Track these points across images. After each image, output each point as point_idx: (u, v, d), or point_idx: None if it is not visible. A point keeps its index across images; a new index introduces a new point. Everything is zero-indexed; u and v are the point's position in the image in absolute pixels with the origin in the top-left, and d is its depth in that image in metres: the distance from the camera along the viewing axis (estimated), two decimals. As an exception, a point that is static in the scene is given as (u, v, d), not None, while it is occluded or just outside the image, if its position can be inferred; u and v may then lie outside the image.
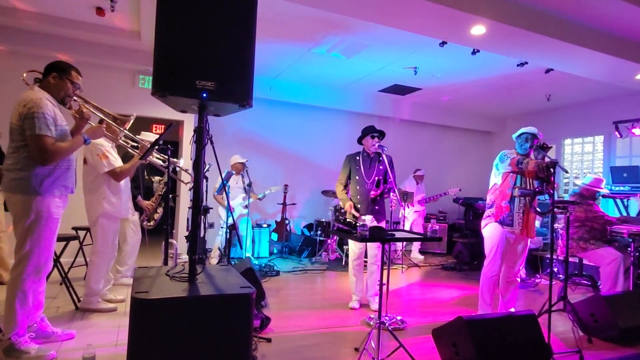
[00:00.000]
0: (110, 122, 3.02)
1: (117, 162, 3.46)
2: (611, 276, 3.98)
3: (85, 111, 2.78)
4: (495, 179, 3.50)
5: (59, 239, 2.92)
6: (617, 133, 5.96)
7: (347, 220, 3.73)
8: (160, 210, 4.35)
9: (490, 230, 3.42)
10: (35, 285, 2.52)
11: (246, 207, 5.58)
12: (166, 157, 3.24)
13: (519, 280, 3.52)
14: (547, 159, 3.10)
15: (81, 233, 4.24)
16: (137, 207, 4.33)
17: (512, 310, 3.52)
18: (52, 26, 4.80)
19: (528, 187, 3.32)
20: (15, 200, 2.43)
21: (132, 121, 3.24)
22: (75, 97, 2.74)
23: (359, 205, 3.86)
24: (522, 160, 3.22)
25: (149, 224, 4.33)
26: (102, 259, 3.45)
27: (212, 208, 5.39)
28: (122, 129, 3.14)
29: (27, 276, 2.46)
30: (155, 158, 3.58)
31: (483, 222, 3.51)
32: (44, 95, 2.49)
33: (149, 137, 4.46)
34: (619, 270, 3.96)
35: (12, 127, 2.45)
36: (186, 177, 4.55)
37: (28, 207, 2.43)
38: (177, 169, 3.86)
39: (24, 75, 2.62)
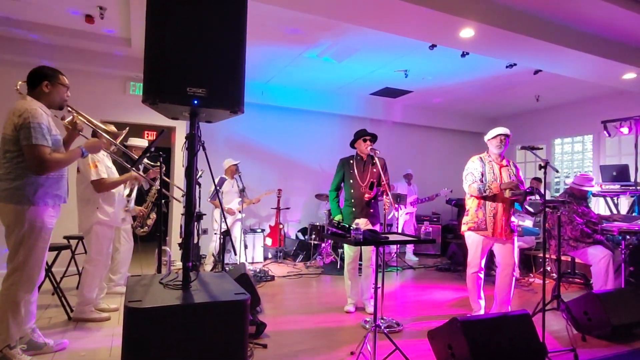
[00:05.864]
0: (103, 134, 3.01)
1: (106, 172, 3.40)
2: (601, 274, 4.03)
3: (79, 122, 2.76)
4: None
5: (51, 249, 2.89)
6: (605, 132, 6.04)
7: (342, 224, 3.74)
8: (152, 216, 4.32)
9: (467, 236, 3.64)
10: (27, 296, 2.49)
11: (240, 211, 5.56)
12: (157, 164, 3.24)
13: (515, 275, 3.55)
14: (537, 160, 3.13)
15: (73, 242, 4.20)
16: None
17: (509, 308, 3.55)
18: (41, 34, 4.77)
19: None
20: (8, 210, 2.41)
21: (124, 135, 3.23)
22: (69, 108, 2.73)
23: (353, 209, 3.87)
24: (484, 189, 3.43)
25: (142, 230, 4.30)
26: (96, 268, 3.42)
27: (205, 214, 5.37)
28: (114, 142, 3.12)
29: (19, 287, 2.43)
30: (147, 179, 3.57)
31: (462, 227, 3.68)
32: (38, 105, 2.48)
33: (138, 142, 4.44)
34: (609, 268, 4.00)
35: (5, 137, 2.43)
36: (177, 192, 4.55)
37: (21, 217, 2.40)
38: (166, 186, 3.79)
39: (18, 85, 2.59)
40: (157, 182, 3.79)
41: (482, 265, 3.57)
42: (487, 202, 3.48)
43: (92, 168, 3.30)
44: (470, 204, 3.59)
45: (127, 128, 3.44)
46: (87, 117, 2.87)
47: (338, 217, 3.88)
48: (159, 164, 3.18)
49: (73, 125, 2.75)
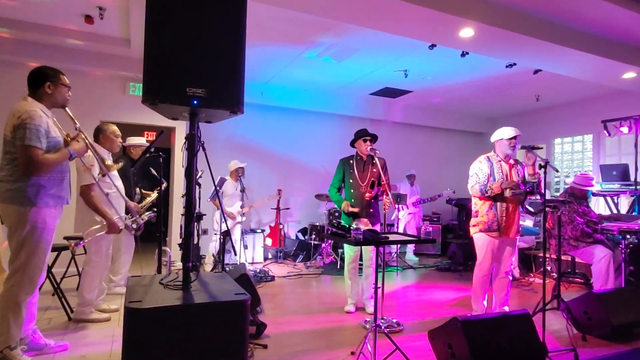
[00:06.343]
0: (100, 163, 3.01)
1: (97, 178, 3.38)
2: (602, 274, 4.03)
3: (81, 140, 2.70)
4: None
5: (51, 249, 2.89)
6: (605, 132, 6.04)
7: (342, 224, 3.73)
8: (144, 217, 4.28)
9: (477, 238, 3.57)
10: (28, 297, 2.48)
11: (243, 214, 5.54)
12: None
13: (510, 278, 3.57)
14: (538, 160, 3.14)
15: (72, 243, 4.19)
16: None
17: (506, 309, 3.55)
18: (41, 35, 4.77)
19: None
20: (11, 211, 2.41)
21: (117, 168, 3.25)
22: (76, 126, 2.66)
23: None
24: (484, 190, 3.42)
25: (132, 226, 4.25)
26: (96, 269, 3.42)
27: (205, 214, 5.36)
28: (107, 172, 3.12)
29: (21, 288, 2.43)
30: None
31: (472, 229, 3.62)
32: (39, 106, 2.47)
33: (136, 141, 4.43)
34: (609, 268, 4.00)
35: (6, 138, 2.43)
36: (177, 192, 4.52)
37: (23, 218, 2.40)
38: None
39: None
40: (156, 191, 3.77)
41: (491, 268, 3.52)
42: (497, 202, 3.43)
43: (85, 171, 3.21)
44: (480, 205, 3.52)
45: (121, 163, 3.47)
46: (92, 142, 2.84)
47: (345, 203, 3.83)
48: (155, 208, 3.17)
49: (73, 139, 2.72)
